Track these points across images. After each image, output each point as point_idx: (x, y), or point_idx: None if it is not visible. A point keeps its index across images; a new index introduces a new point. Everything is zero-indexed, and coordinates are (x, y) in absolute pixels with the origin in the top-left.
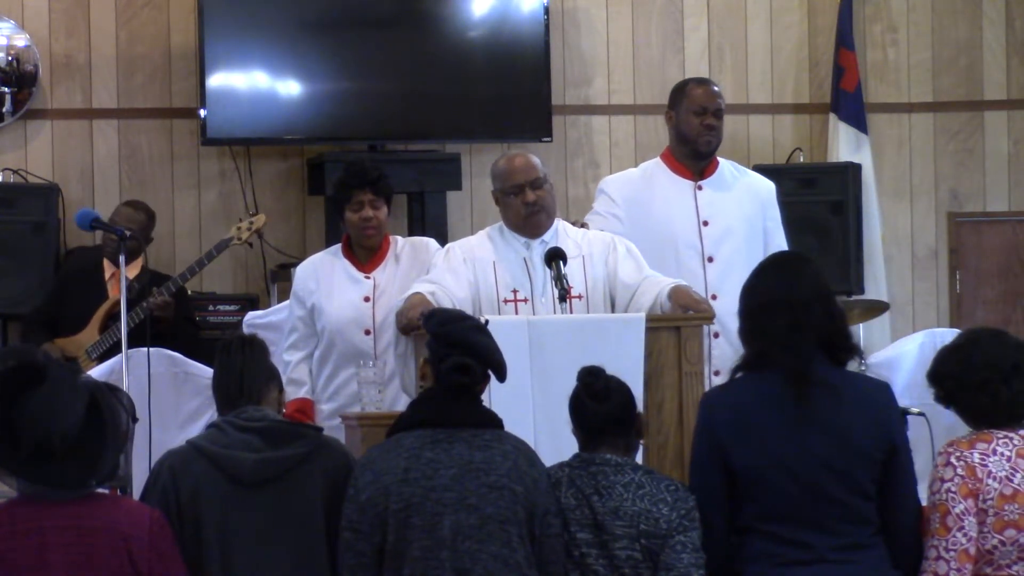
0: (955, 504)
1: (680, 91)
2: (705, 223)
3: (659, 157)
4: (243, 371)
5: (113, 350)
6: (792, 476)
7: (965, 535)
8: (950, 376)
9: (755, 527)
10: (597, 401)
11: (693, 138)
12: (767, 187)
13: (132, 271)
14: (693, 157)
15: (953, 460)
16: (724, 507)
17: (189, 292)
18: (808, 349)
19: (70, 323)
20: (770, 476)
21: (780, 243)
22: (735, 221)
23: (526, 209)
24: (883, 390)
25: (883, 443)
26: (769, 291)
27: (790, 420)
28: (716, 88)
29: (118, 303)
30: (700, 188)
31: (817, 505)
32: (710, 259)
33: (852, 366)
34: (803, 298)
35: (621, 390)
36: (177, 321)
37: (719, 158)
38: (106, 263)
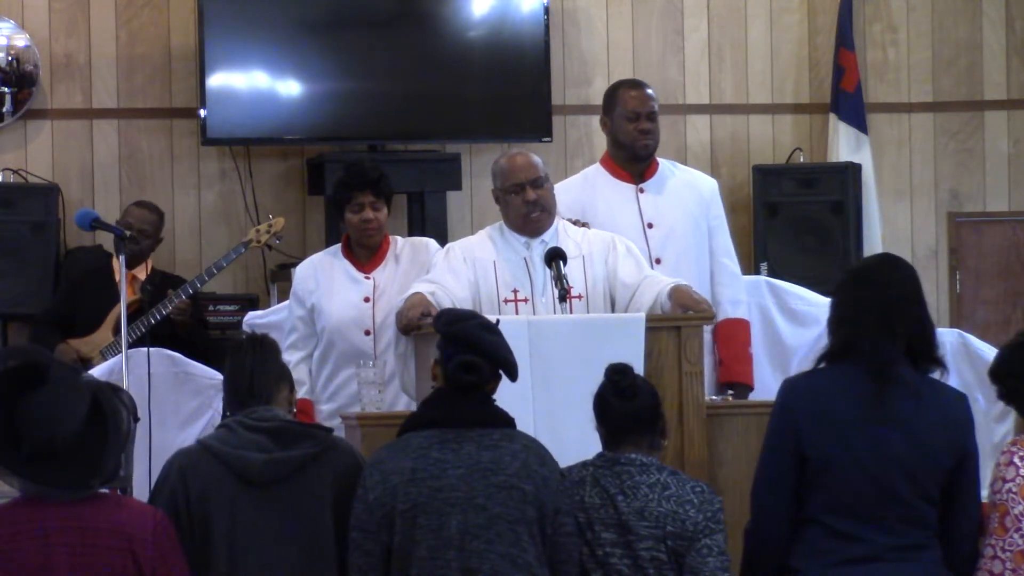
0: (1015, 505)
1: (612, 96)
2: (650, 225)
3: (599, 163)
4: (254, 371)
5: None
6: (863, 470)
7: (1022, 536)
8: (1012, 374)
9: (817, 519)
10: (623, 399)
11: (630, 144)
12: (709, 185)
13: (142, 272)
14: (632, 161)
15: (1016, 460)
16: (790, 494)
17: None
18: (895, 350)
19: (83, 325)
20: (842, 467)
21: (725, 242)
22: (679, 221)
23: (527, 208)
24: (962, 399)
25: (956, 451)
26: (867, 286)
27: (869, 415)
28: (649, 91)
29: (132, 304)
30: (642, 191)
31: (882, 502)
32: (658, 261)
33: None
34: (899, 298)
35: (648, 389)
36: (193, 325)
37: (658, 158)
38: (116, 264)
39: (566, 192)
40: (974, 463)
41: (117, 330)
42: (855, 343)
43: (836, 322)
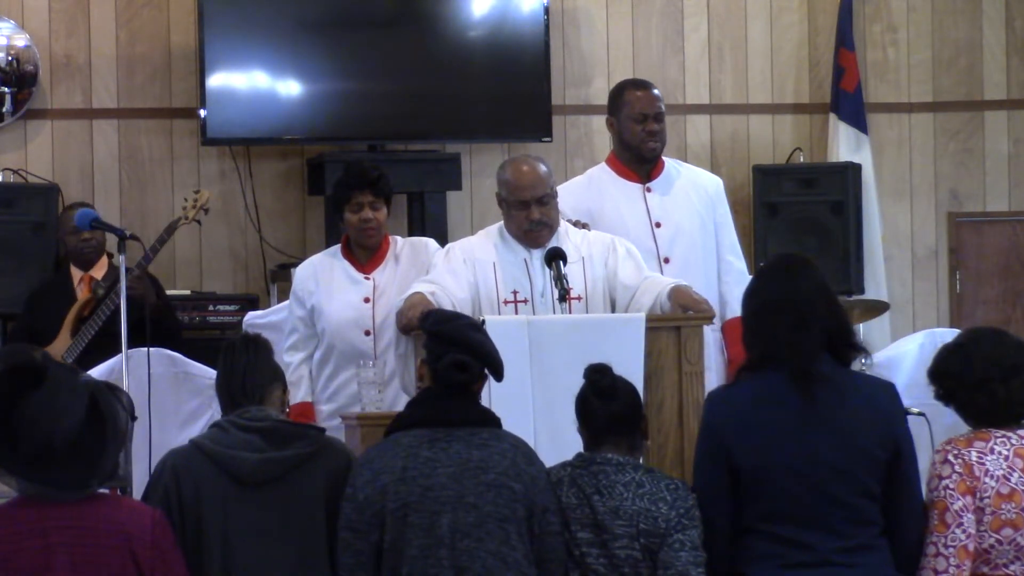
0: (953, 500)
1: (618, 96)
2: (658, 224)
3: (604, 162)
4: (247, 371)
5: (88, 351)
6: (796, 475)
7: (964, 531)
8: (950, 374)
9: (758, 528)
10: (604, 400)
11: (637, 145)
12: (714, 183)
13: (99, 271)
14: (638, 161)
15: (951, 458)
16: (727, 507)
17: (189, 292)
18: (812, 347)
19: (45, 334)
20: (774, 475)
21: (731, 238)
22: (687, 220)
23: (528, 225)
24: (888, 390)
25: (888, 443)
26: (772, 291)
27: (794, 419)
28: (656, 91)
29: (86, 305)
30: (649, 190)
31: (821, 505)
32: (666, 260)
33: (856, 365)
34: (806, 297)
35: (628, 390)
36: (159, 308)
37: (663, 157)
38: (73, 269)
39: (571, 194)
40: (910, 454)
41: (75, 333)
42: (772, 350)
43: (750, 333)
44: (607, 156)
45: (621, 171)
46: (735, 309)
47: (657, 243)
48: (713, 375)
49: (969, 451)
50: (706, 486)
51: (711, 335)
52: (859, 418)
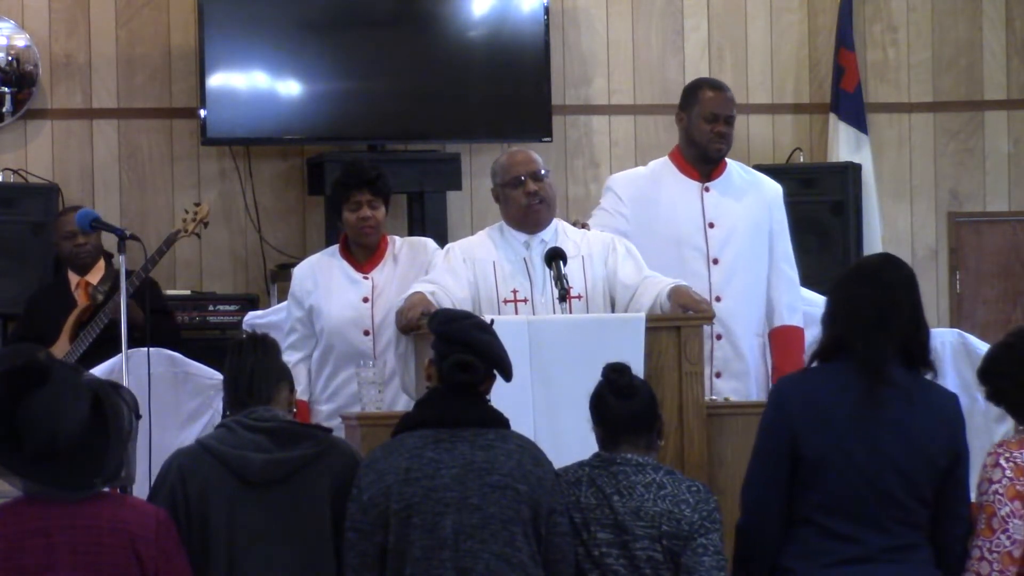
0: (1001, 506)
1: (692, 93)
2: (711, 225)
3: (667, 156)
4: (254, 371)
5: (87, 356)
6: (857, 469)
7: (1009, 537)
8: (1000, 374)
9: (810, 518)
10: (621, 398)
11: (703, 144)
12: (774, 190)
13: (95, 275)
14: (702, 160)
15: (1002, 461)
16: (783, 493)
17: (189, 292)
18: (887, 347)
19: (44, 339)
20: (837, 467)
21: (785, 246)
22: (741, 223)
23: (527, 200)
24: (954, 399)
25: (948, 451)
26: (862, 283)
27: (862, 414)
28: (729, 94)
29: (85, 311)
30: (707, 190)
31: (876, 503)
32: (715, 261)
33: None
34: (893, 298)
35: (645, 389)
36: (153, 319)
37: (728, 160)
38: (70, 274)
39: (631, 182)
40: (965, 463)
41: (74, 338)
42: (848, 341)
43: (830, 319)
44: (671, 151)
45: (683, 167)
46: (783, 316)
47: (708, 243)
48: (751, 380)
49: (1021, 453)
50: (764, 467)
51: (755, 340)
52: (924, 423)
